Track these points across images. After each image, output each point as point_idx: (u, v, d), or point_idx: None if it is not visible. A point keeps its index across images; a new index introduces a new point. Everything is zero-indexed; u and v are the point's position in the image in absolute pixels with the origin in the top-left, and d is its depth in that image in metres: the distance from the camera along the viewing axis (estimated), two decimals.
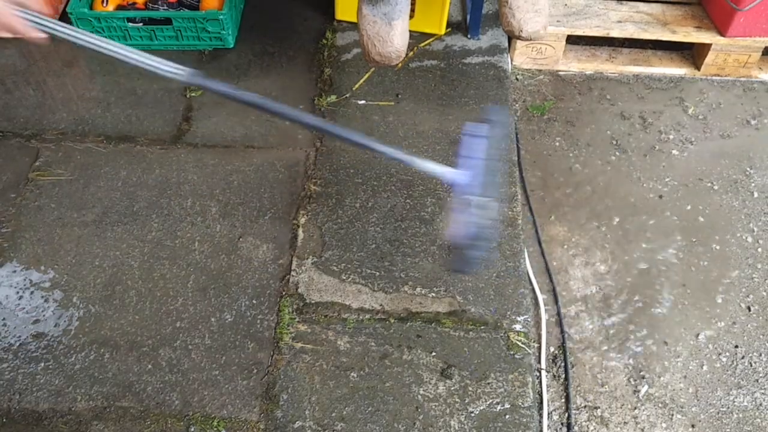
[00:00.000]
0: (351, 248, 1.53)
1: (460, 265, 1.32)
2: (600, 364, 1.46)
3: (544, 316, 1.51)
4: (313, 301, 1.44)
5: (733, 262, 1.63)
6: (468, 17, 2.01)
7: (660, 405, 1.40)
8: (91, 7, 1.94)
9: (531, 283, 1.56)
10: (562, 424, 1.38)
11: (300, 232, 1.56)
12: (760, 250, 1.65)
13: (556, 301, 1.55)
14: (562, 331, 1.50)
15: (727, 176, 1.80)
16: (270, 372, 1.34)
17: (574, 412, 1.39)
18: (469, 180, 1.24)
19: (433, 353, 1.37)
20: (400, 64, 1.92)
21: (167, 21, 1.90)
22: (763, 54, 2.03)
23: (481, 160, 1.27)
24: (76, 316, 1.42)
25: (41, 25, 1.08)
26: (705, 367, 1.46)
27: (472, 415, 1.29)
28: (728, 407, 1.40)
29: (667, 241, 1.66)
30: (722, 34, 1.95)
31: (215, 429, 1.27)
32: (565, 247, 1.65)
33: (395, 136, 1.75)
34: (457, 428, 1.27)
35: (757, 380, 1.44)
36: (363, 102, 1.83)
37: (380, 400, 1.31)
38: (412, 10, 1.93)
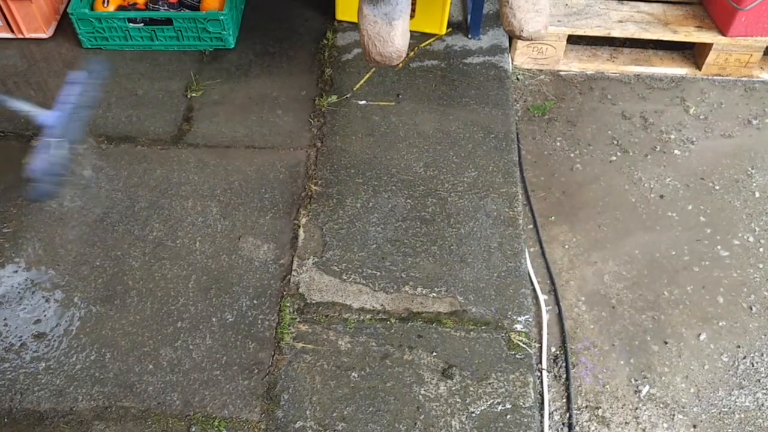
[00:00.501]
0: (352, 248, 1.53)
1: (35, 195, 1.45)
2: (601, 364, 1.46)
3: (545, 316, 1.51)
4: (314, 301, 1.44)
5: (734, 262, 1.62)
6: (469, 17, 2.01)
7: (661, 405, 1.40)
8: (92, 8, 1.94)
9: (532, 283, 1.56)
10: (563, 424, 1.38)
11: (301, 232, 1.56)
12: (761, 249, 1.65)
13: (557, 301, 1.54)
14: (563, 331, 1.50)
15: (728, 176, 1.80)
16: (271, 372, 1.34)
17: (575, 412, 1.39)
18: (55, 122, 1.45)
19: (434, 353, 1.37)
20: (400, 64, 1.92)
21: (168, 21, 1.90)
22: (764, 54, 2.03)
23: (71, 105, 1.49)
24: (77, 316, 1.42)
25: None
26: (706, 367, 1.46)
27: (473, 415, 1.29)
28: (730, 407, 1.40)
29: (668, 242, 1.66)
30: (723, 33, 1.94)
31: (216, 429, 1.27)
32: (566, 247, 1.65)
33: (396, 136, 1.75)
34: (458, 428, 1.27)
35: (758, 380, 1.44)
36: (364, 102, 1.84)
37: (381, 400, 1.31)
38: (413, 10, 1.93)
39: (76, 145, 1.48)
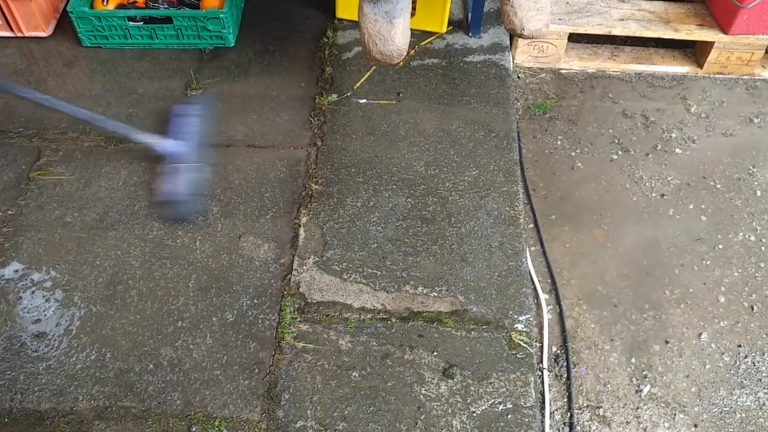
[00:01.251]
0: (352, 247, 1.53)
1: (179, 214, 1.57)
2: (602, 364, 1.46)
3: (546, 316, 1.51)
4: (314, 301, 1.44)
5: (735, 261, 1.62)
6: (469, 15, 2.00)
7: (662, 404, 1.40)
8: (91, 6, 1.94)
9: (533, 283, 1.55)
10: (564, 423, 1.37)
11: (301, 231, 1.56)
12: (763, 249, 1.64)
13: (558, 301, 1.54)
14: (564, 331, 1.49)
15: (729, 175, 1.79)
16: (271, 371, 1.34)
17: (576, 411, 1.38)
18: (182, 150, 1.60)
19: (435, 353, 1.37)
20: (401, 63, 1.91)
21: (168, 20, 1.90)
22: (766, 52, 2.02)
23: (191, 134, 1.64)
24: (78, 315, 1.42)
25: None
26: (708, 367, 1.45)
27: (474, 414, 1.29)
28: (731, 407, 1.40)
29: (669, 241, 1.66)
30: (725, 31, 1.94)
31: (217, 429, 1.27)
32: (567, 246, 1.64)
33: (396, 134, 1.75)
34: (459, 428, 1.27)
35: (760, 380, 1.44)
36: (364, 101, 1.83)
37: (382, 399, 1.30)
38: (414, 8, 1.92)
39: (202, 168, 1.63)
